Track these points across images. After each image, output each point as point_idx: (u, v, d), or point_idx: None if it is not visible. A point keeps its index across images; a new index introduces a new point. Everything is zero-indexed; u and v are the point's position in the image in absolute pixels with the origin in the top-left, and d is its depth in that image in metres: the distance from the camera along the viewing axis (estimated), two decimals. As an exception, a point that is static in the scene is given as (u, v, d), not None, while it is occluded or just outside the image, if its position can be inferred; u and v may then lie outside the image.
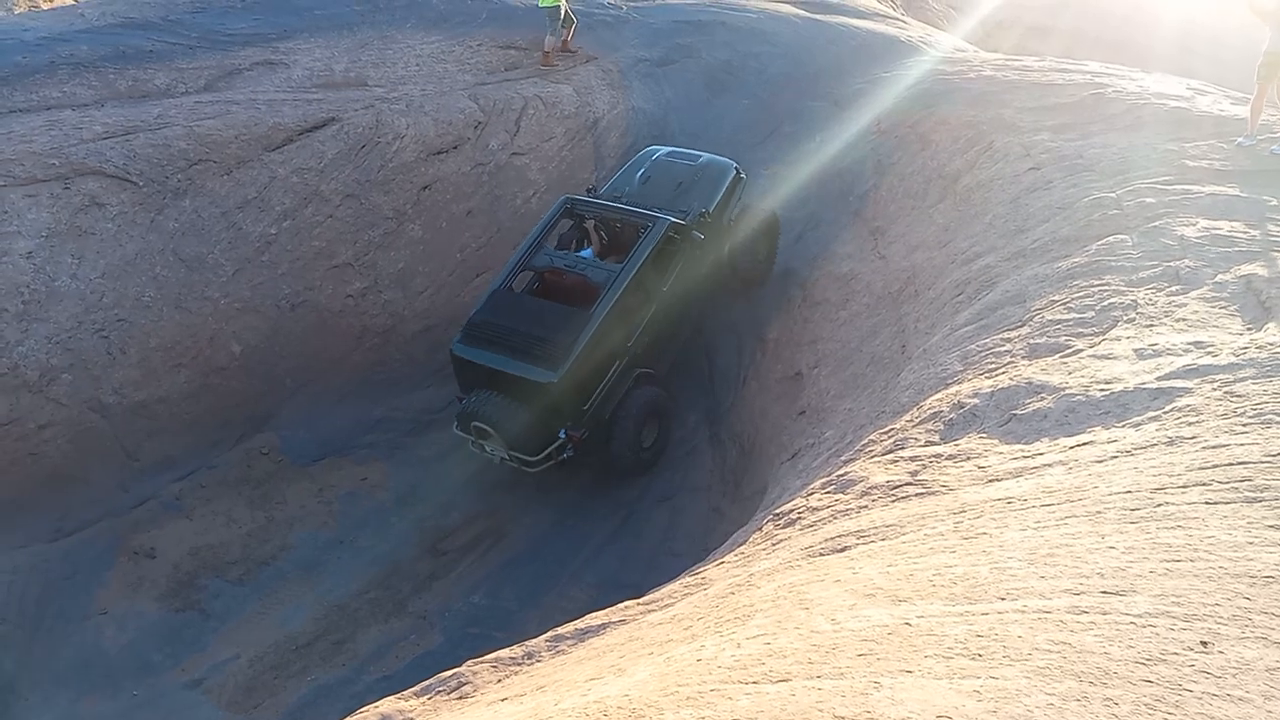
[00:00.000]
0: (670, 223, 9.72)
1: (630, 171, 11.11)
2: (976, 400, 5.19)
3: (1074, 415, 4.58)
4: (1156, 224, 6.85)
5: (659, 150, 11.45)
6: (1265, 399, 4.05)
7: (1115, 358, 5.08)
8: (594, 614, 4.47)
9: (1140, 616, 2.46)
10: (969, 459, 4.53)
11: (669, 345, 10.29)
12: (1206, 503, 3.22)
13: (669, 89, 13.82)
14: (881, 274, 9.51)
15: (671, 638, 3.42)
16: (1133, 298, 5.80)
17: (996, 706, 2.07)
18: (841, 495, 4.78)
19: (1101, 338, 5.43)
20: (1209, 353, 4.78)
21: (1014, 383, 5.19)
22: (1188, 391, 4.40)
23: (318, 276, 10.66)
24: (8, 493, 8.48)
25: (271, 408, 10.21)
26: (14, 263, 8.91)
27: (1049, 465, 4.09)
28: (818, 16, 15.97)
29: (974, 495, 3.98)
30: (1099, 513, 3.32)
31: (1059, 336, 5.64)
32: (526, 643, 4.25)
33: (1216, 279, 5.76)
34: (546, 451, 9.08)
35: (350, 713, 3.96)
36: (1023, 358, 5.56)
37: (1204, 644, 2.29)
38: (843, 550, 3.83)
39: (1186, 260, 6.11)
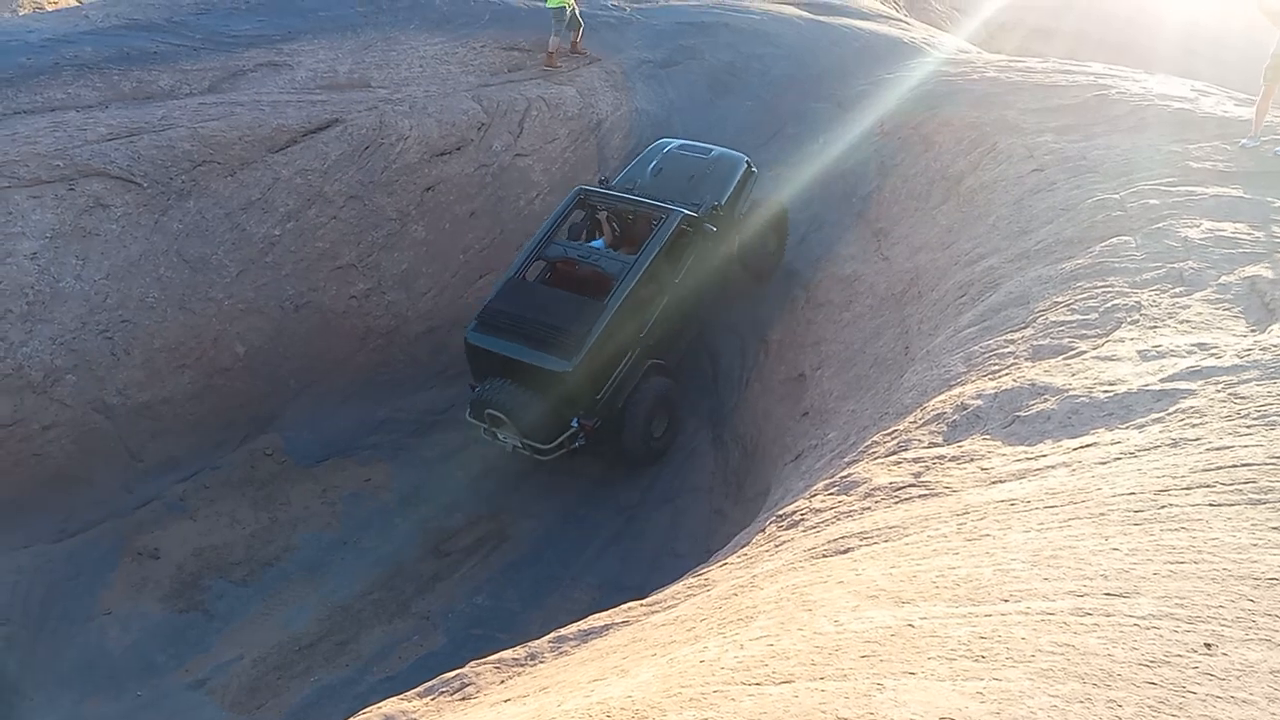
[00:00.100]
0: (684, 215, 9.79)
1: (642, 164, 11.17)
2: (980, 402, 5.19)
3: (1077, 417, 4.58)
4: (1160, 225, 6.85)
5: (671, 143, 11.50)
6: (1269, 401, 4.05)
7: (1119, 359, 5.07)
8: (597, 615, 4.47)
9: (1144, 618, 2.46)
10: (972, 460, 4.53)
11: (679, 337, 10.37)
12: (1210, 504, 3.21)
13: (672, 90, 13.83)
14: (885, 275, 9.51)
15: (674, 639, 3.42)
16: (1136, 299, 5.79)
17: (999, 708, 2.07)
18: (844, 497, 4.77)
19: (1105, 339, 5.43)
20: (1213, 354, 4.77)
21: (1017, 384, 5.19)
22: (1191, 393, 4.39)
23: (321, 277, 10.68)
24: (12, 493, 8.50)
25: (275, 409, 10.22)
26: (18, 264, 8.93)
27: (1052, 467, 4.08)
28: (821, 18, 15.97)
29: (977, 497, 3.98)
30: (1102, 514, 3.31)
31: (1062, 338, 5.63)
32: (529, 644, 4.25)
33: (1220, 280, 5.75)
34: (559, 440, 9.14)
35: (353, 713, 3.96)
36: (1026, 359, 5.56)
37: (1208, 646, 2.29)
38: (846, 552, 3.83)
39: (1190, 262, 6.10)
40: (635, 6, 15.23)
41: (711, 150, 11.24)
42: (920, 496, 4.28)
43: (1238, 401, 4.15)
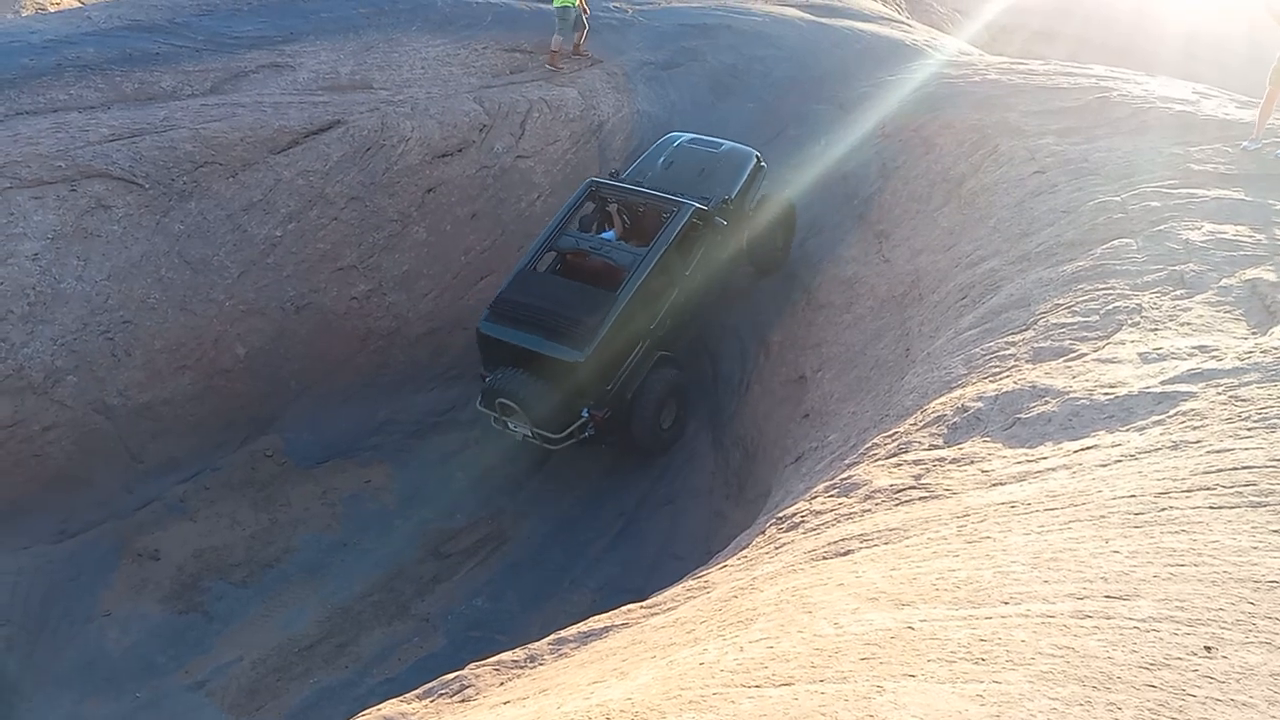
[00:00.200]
0: (695, 208, 9.85)
1: (653, 157, 11.24)
2: (980, 404, 5.18)
3: (1078, 419, 4.58)
4: (1161, 228, 6.84)
5: (681, 136, 11.56)
6: (1270, 403, 4.04)
7: (1119, 362, 5.07)
8: (596, 617, 4.47)
9: (1144, 621, 2.45)
10: (972, 463, 4.52)
11: (688, 329, 10.45)
12: (1211, 507, 3.21)
13: (674, 92, 13.83)
14: (886, 277, 9.51)
15: (674, 641, 3.41)
16: (1137, 302, 5.79)
17: (999, 711, 2.07)
18: (845, 499, 4.77)
19: (1106, 342, 5.42)
20: (1213, 357, 4.76)
21: (1018, 386, 5.18)
22: (1192, 396, 4.39)
23: (322, 279, 10.68)
24: (12, 494, 8.50)
25: (276, 410, 10.22)
26: (20, 265, 8.94)
27: (1053, 469, 4.08)
28: (823, 20, 15.98)
29: (977, 499, 3.97)
30: (1103, 517, 3.31)
31: (1063, 340, 5.63)
32: (529, 646, 4.25)
33: (1221, 283, 5.75)
34: (569, 430, 9.19)
35: (353, 715, 3.96)
36: (1027, 361, 5.55)
37: (1208, 649, 2.28)
38: (846, 554, 3.83)
39: (1191, 264, 6.10)
40: (637, 8, 15.24)
41: (722, 144, 11.31)
42: (920, 499, 4.28)
43: (1238, 404, 4.14)
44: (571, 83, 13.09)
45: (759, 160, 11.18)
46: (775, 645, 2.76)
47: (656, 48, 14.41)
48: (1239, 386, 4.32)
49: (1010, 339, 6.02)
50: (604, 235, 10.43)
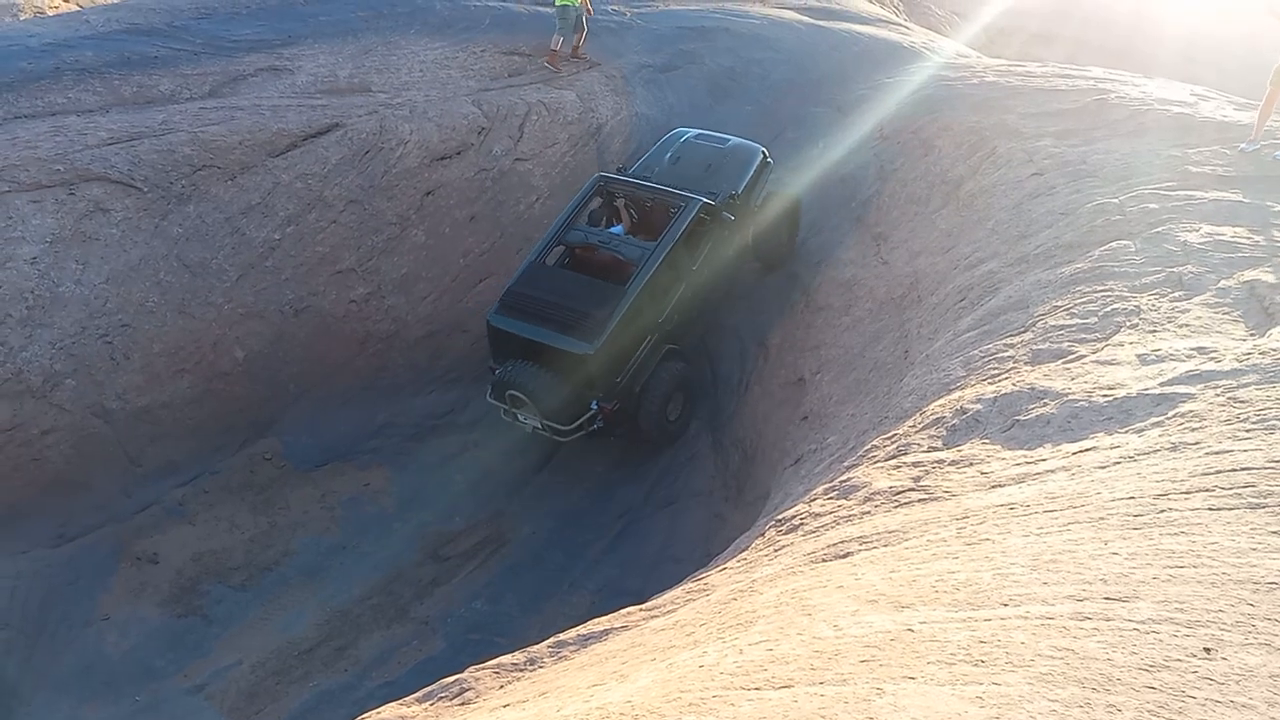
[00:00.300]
0: (703, 203, 9.92)
1: (660, 152, 11.30)
2: (979, 406, 5.18)
3: (1077, 421, 4.58)
4: (1159, 229, 6.85)
5: (688, 132, 11.62)
6: (1268, 404, 4.05)
7: (1118, 363, 5.07)
8: (596, 620, 4.47)
9: (1143, 623, 2.45)
10: (972, 465, 4.52)
11: (695, 323, 10.54)
12: (1209, 509, 3.21)
13: (672, 95, 13.84)
14: (884, 279, 9.51)
15: (674, 644, 3.41)
16: (1136, 303, 5.79)
17: (999, 713, 2.07)
18: (844, 501, 4.77)
19: (1104, 343, 5.42)
20: (1212, 358, 4.76)
21: (1017, 388, 5.19)
22: (1191, 397, 4.39)
23: (321, 282, 10.68)
24: (10, 498, 8.49)
25: (274, 413, 10.22)
26: (18, 268, 8.93)
27: (1052, 471, 4.08)
28: (821, 23, 15.99)
29: (977, 501, 3.97)
30: (1102, 518, 3.31)
31: (1062, 342, 5.63)
32: (529, 648, 4.25)
33: (1219, 285, 5.75)
34: (578, 422, 9.28)
35: (352, 718, 3.96)
36: (1026, 363, 5.55)
37: (1207, 650, 2.28)
38: (845, 556, 3.83)
39: (1189, 266, 6.10)
40: (636, 11, 15.24)
41: (729, 140, 11.37)
42: (920, 501, 4.28)
43: (1237, 405, 4.15)
44: (570, 85, 13.10)
45: (765, 156, 11.25)
46: (775, 648, 2.76)
47: (655, 50, 14.42)
48: (1237, 388, 4.32)
49: (1009, 341, 6.03)
50: (613, 230, 10.49)
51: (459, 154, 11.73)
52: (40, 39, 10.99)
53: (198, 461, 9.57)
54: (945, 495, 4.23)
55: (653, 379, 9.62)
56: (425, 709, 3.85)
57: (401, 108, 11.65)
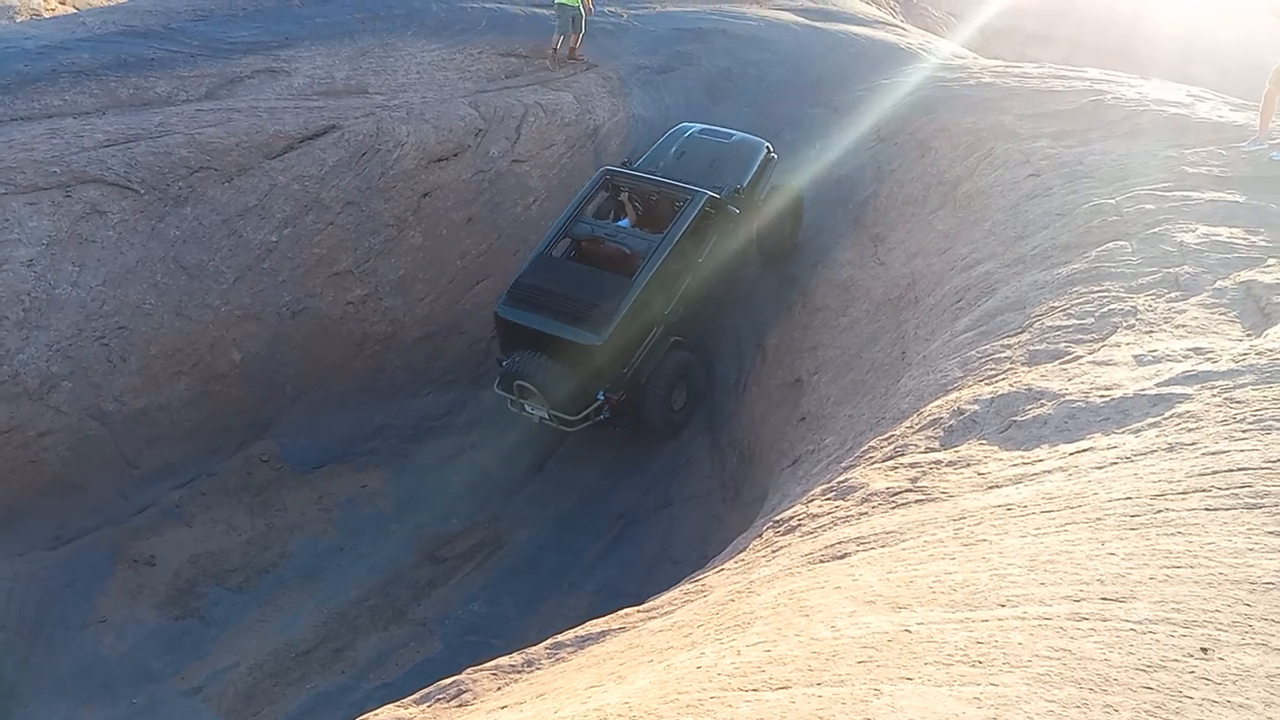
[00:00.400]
0: (709, 196, 10.02)
1: (664, 146, 11.37)
2: (976, 407, 5.18)
3: (1074, 421, 4.58)
4: (1156, 230, 6.85)
5: (693, 127, 11.69)
6: (1265, 405, 4.05)
7: (1115, 364, 5.07)
8: (594, 621, 4.46)
9: (1140, 623, 2.46)
10: (969, 465, 4.52)
11: (700, 315, 10.62)
12: (1206, 509, 3.21)
13: (669, 96, 13.85)
14: (881, 280, 9.52)
15: (671, 645, 3.41)
16: (1132, 304, 5.79)
17: (996, 713, 2.07)
18: (841, 502, 4.77)
19: (1101, 344, 5.43)
20: (1209, 359, 4.77)
21: (1014, 389, 5.19)
22: (1187, 398, 4.39)
23: (318, 284, 10.67)
24: (7, 500, 8.48)
25: (272, 415, 10.21)
26: (15, 270, 8.92)
27: (1049, 472, 4.08)
28: (817, 24, 16.00)
29: (974, 502, 3.98)
30: (1099, 519, 3.31)
31: (1059, 343, 5.63)
32: (526, 650, 4.24)
33: (1216, 285, 5.75)
34: (585, 412, 9.37)
35: (349, 720, 3.96)
36: (1023, 364, 5.56)
37: (1204, 650, 2.29)
38: (843, 557, 3.83)
39: (1186, 266, 6.11)
40: (633, 13, 15.25)
41: (733, 134, 11.46)
42: (917, 502, 4.28)
43: (1234, 406, 4.15)
44: (567, 87, 13.10)
45: (769, 151, 11.32)
46: (772, 649, 2.76)
47: (651, 52, 14.42)
48: (1234, 389, 4.32)
49: (1006, 342, 6.03)
50: (620, 223, 10.56)
51: (456, 156, 11.73)
52: (36, 41, 10.97)
53: (195, 463, 9.56)
54: (942, 496, 4.23)
55: (659, 370, 9.75)
56: (423, 711, 3.84)
57: (398, 109, 11.65)
